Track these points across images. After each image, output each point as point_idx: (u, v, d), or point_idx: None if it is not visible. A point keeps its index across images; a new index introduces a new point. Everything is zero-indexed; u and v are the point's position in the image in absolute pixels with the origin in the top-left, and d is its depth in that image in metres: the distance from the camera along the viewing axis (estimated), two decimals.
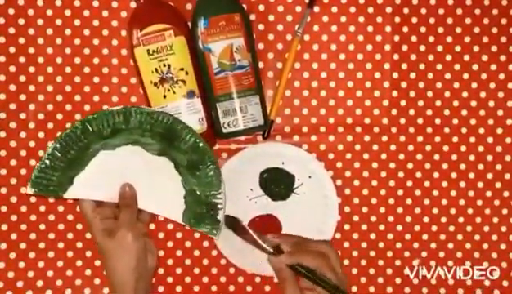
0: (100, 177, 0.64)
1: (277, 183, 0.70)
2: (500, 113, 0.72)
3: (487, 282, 0.73)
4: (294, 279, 0.59)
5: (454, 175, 0.72)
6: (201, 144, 0.64)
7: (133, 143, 0.64)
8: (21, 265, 0.71)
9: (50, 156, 0.62)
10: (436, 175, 0.72)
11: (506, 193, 0.73)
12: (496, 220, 0.73)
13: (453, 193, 0.72)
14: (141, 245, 0.62)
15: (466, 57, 0.72)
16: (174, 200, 0.65)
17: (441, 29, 0.72)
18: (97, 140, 0.63)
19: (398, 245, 0.73)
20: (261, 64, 0.71)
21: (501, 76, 0.72)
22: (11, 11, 0.69)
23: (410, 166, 0.72)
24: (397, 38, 0.72)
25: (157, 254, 0.65)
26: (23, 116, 0.70)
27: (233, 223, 0.64)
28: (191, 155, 0.64)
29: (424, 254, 0.73)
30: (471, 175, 0.72)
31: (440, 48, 0.72)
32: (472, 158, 0.72)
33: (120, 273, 0.61)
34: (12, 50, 0.70)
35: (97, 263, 0.71)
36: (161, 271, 0.72)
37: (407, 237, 0.73)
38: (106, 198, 0.64)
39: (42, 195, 0.64)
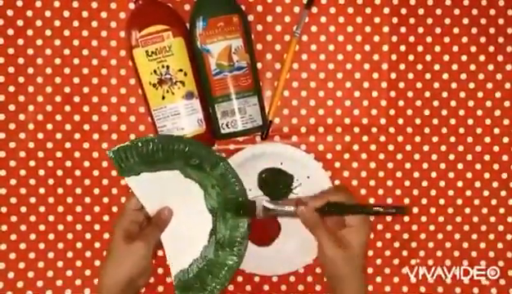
0: (157, 187, 0.65)
1: (276, 183, 0.70)
2: (497, 113, 0.73)
3: (484, 281, 0.73)
4: (324, 221, 0.62)
5: (451, 174, 0.73)
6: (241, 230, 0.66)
7: (201, 185, 0.66)
8: (21, 265, 0.71)
9: (145, 143, 0.63)
10: (433, 174, 0.73)
11: (503, 193, 0.73)
12: (493, 219, 0.73)
13: (450, 192, 0.73)
14: (144, 264, 0.62)
15: (463, 57, 0.72)
16: (190, 250, 0.67)
17: (438, 30, 0.72)
18: (182, 163, 0.64)
19: (396, 244, 0.73)
20: (259, 65, 0.71)
21: (498, 76, 0.72)
22: (10, 13, 0.70)
23: (407, 166, 0.73)
24: (394, 39, 0.72)
25: (149, 278, 0.65)
26: (22, 117, 0.70)
27: (251, 209, 0.65)
28: (232, 231, 0.66)
29: (421, 253, 0.73)
30: (469, 175, 0.73)
31: (437, 49, 0.72)
32: (469, 157, 0.73)
33: (113, 278, 0.61)
34: (11, 51, 0.70)
35: (97, 263, 0.72)
36: (160, 271, 0.72)
37: (405, 236, 0.73)
38: (147, 206, 0.65)
39: (113, 163, 0.63)
